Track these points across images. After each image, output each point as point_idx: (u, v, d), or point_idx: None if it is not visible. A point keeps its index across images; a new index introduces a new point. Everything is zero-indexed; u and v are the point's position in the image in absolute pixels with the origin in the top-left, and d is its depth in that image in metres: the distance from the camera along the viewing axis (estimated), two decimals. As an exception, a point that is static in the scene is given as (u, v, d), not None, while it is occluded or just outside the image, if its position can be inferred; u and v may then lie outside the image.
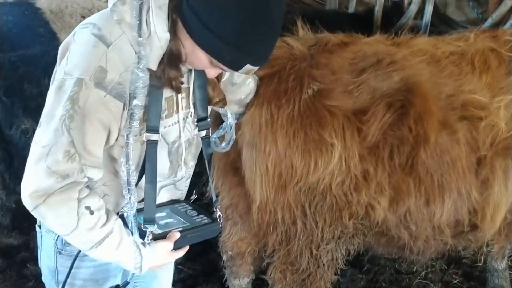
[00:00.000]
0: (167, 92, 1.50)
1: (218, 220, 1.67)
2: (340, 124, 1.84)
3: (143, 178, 1.51)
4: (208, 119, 1.67)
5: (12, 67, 2.65)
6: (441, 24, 3.63)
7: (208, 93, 1.63)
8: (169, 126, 1.57)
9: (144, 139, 1.47)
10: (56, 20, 3.35)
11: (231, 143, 1.83)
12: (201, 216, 1.67)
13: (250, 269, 2.62)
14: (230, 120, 1.83)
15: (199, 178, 1.95)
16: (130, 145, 1.43)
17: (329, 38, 2.05)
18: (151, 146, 1.48)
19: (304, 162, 1.85)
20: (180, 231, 1.56)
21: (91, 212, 1.39)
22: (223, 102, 1.70)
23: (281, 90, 1.84)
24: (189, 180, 1.77)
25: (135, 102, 1.40)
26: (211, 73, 1.46)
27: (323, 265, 2.19)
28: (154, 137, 1.47)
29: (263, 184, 1.89)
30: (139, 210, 1.52)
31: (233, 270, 2.63)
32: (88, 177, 1.40)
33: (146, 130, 1.47)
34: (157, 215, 1.58)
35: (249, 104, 1.87)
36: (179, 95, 1.55)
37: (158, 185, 1.59)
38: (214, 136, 1.80)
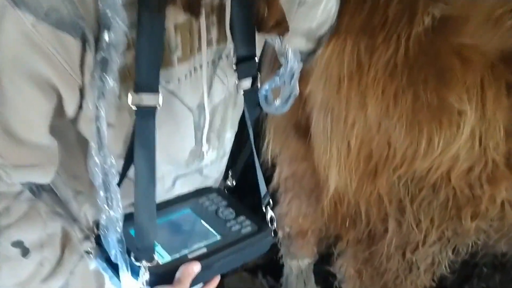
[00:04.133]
0: (177, 16, 0.82)
1: (270, 225, 1.03)
2: (477, 79, 1.11)
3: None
4: (256, 59, 0.98)
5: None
6: None
7: (258, 12, 0.89)
8: (187, 76, 0.90)
9: (130, 104, 0.81)
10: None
11: (290, 100, 1.10)
12: (242, 218, 1.03)
13: (313, 251, 2.04)
14: (291, 62, 1.06)
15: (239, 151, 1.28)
16: (103, 119, 0.78)
17: None
18: (145, 117, 0.81)
19: (410, 139, 1.16)
20: (204, 255, 0.92)
21: (24, 252, 0.79)
22: (284, 27, 0.95)
23: (377, 22, 1.12)
24: (225, 159, 1.14)
25: (109, 37, 0.73)
26: None
27: (418, 268, 1.57)
28: (149, 100, 0.80)
29: (340, 169, 1.24)
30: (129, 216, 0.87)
31: (290, 250, 2.06)
32: (18, 184, 0.79)
33: (134, 89, 0.80)
34: (169, 218, 0.98)
35: (322, 43, 1.15)
36: (202, 20, 0.85)
37: (170, 177, 0.99)
38: (265, 88, 1.10)
